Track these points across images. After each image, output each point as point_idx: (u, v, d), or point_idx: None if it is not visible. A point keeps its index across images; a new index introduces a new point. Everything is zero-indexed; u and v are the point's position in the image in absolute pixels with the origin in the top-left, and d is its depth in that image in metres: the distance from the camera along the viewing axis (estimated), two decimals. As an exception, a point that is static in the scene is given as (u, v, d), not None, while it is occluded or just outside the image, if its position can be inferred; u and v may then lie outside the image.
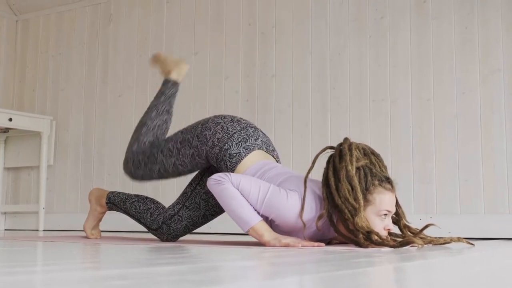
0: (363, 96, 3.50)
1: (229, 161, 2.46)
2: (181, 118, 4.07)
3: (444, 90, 3.31)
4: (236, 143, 2.48)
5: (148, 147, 2.71)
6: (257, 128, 2.61)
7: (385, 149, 3.40)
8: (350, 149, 2.23)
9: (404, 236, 2.25)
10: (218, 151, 2.50)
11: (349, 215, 2.13)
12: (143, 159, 2.71)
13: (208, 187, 2.28)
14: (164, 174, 2.69)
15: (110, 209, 2.88)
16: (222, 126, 2.54)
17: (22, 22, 4.90)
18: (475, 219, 3.16)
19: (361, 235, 2.12)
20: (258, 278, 1.19)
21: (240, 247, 2.17)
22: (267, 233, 2.19)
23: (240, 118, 2.64)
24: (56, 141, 4.54)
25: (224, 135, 2.51)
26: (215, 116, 2.63)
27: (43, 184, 4.37)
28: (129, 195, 2.84)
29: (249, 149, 2.48)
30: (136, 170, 2.73)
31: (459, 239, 2.30)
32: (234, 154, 2.46)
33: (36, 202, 4.42)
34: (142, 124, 2.78)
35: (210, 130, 2.54)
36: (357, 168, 2.21)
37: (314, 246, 2.15)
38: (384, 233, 2.17)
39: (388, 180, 2.22)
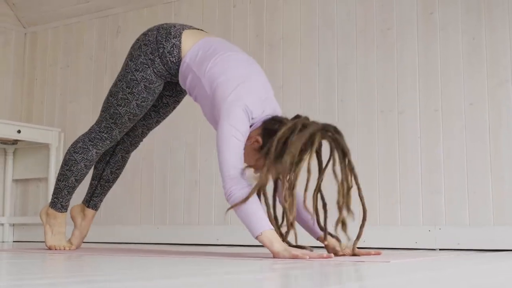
0: (370, 107, 3.50)
1: (172, 56, 2.62)
2: (190, 130, 4.08)
3: (452, 101, 3.30)
4: (165, 40, 2.63)
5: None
6: (166, 22, 2.78)
7: (393, 160, 3.39)
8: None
9: None
10: (159, 60, 2.64)
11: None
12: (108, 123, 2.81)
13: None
14: (135, 118, 2.80)
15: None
16: (144, 43, 2.68)
17: (31, 34, 4.93)
18: (484, 231, 3.14)
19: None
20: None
21: (249, 259, 2.16)
22: (277, 243, 2.19)
23: (151, 27, 2.78)
24: (64, 153, 4.55)
25: (151, 46, 2.65)
26: (132, 47, 2.75)
27: (51, 196, 4.37)
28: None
29: (177, 36, 2.63)
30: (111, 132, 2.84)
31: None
32: (171, 49, 2.62)
33: (44, 214, 4.41)
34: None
35: (141, 56, 2.67)
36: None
37: (323, 258, 2.14)
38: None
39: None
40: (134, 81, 2.68)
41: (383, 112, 3.46)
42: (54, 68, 4.76)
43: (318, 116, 3.62)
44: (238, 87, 2.40)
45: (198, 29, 2.76)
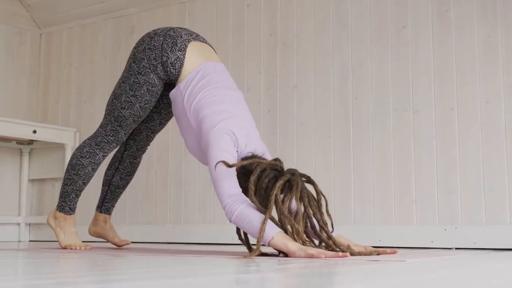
0: (385, 106, 3.48)
1: (173, 68, 2.65)
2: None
3: (467, 100, 3.28)
4: (171, 50, 2.65)
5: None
6: (172, 27, 2.76)
7: (408, 159, 3.38)
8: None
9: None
10: (161, 67, 2.66)
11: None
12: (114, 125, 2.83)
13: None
14: (139, 120, 2.82)
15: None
16: (149, 47, 2.69)
17: (46, 35, 4.95)
18: (500, 230, 3.12)
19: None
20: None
21: (263, 258, 2.16)
22: (290, 243, 2.18)
23: (157, 29, 2.78)
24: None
25: (156, 52, 2.67)
26: (135, 47, 2.76)
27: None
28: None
29: (182, 49, 2.66)
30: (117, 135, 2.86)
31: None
32: (174, 61, 2.65)
33: (60, 214, 4.44)
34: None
35: (144, 60, 2.69)
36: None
37: (339, 257, 2.13)
38: None
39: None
40: (137, 84, 2.71)
41: (398, 111, 3.44)
42: (69, 68, 4.78)
43: (332, 115, 3.62)
44: (225, 119, 2.46)
45: (202, 42, 2.78)
